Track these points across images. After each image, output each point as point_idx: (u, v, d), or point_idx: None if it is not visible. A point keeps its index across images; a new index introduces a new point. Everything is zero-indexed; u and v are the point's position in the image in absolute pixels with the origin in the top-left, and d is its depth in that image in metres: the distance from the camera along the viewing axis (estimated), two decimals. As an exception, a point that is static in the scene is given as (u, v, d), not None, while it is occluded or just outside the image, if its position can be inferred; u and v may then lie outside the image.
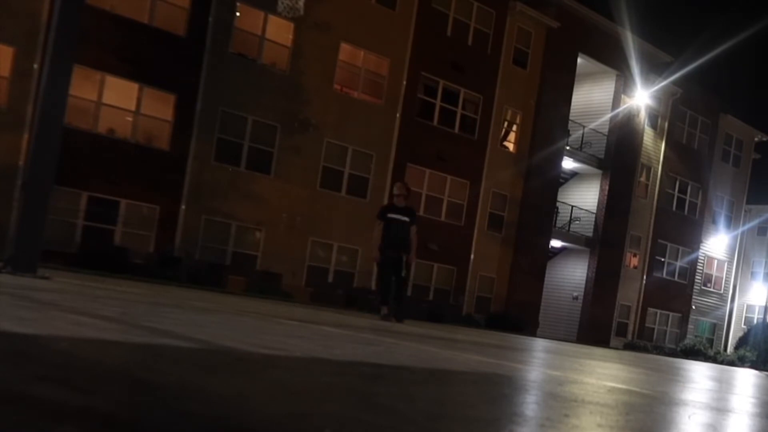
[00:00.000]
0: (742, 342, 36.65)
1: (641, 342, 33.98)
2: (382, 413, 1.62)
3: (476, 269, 28.47)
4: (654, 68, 33.72)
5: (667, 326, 37.34)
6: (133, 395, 1.44)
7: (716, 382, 6.78)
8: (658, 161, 35.80)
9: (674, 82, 33.88)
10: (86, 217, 20.02)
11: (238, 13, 22.44)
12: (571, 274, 33.56)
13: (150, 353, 2.22)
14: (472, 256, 28.31)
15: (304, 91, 23.56)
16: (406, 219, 10.99)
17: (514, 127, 29.66)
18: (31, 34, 18.63)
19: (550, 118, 30.26)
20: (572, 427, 1.85)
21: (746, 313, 43.82)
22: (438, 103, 27.11)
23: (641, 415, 2.41)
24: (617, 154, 33.50)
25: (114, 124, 20.71)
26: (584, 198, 33.84)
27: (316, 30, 23.31)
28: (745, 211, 41.75)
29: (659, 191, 35.93)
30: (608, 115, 33.38)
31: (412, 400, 1.94)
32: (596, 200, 33.69)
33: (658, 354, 26.75)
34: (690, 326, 38.24)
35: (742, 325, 42.48)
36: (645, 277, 35.71)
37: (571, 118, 31.73)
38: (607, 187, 33.42)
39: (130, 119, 20.92)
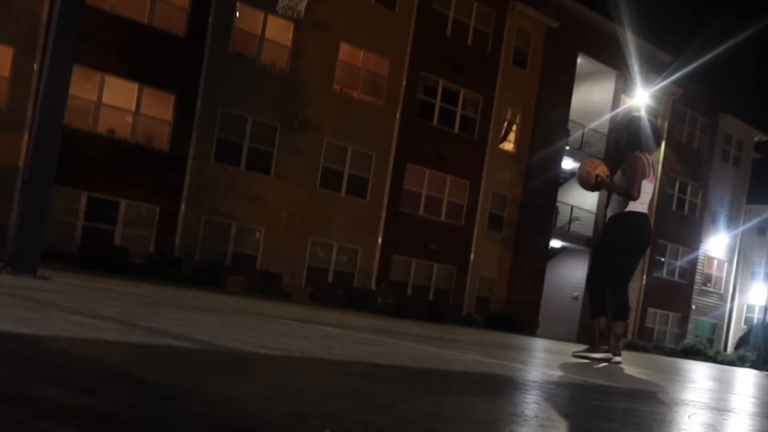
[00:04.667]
0: (742, 342, 36.65)
1: (641, 342, 33.97)
2: (382, 413, 1.62)
3: (476, 269, 28.47)
4: (654, 68, 33.72)
5: (667, 326, 37.34)
6: (133, 395, 1.44)
7: (716, 382, 6.78)
8: (658, 161, 35.79)
9: (674, 82, 33.87)
10: (86, 217, 20.03)
11: (238, 13, 22.44)
12: (571, 274, 33.54)
13: (150, 353, 2.22)
14: (472, 256, 28.31)
15: (304, 91, 23.56)
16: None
17: (514, 127, 29.67)
18: (31, 34, 18.63)
19: (549, 118, 30.26)
20: (572, 427, 1.85)
21: (746, 313, 43.82)
22: (438, 103, 27.11)
23: (641, 415, 2.41)
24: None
25: (114, 124, 20.72)
26: (584, 198, 33.81)
27: (316, 30, 23.31)
28: (745, 211, 41.75)
29: (659, 191, 35.91)
30: (608, 115, 33.37)
31: (412, 400, 1.93)
32: (596, 200, 33.68)
33: (658, 354, 26.75)
34: (690, 326, 38.24)
35: (742, 325, 42.48)
36: (645, 277, 35.70)
37: (571, 118, 31.73)
38: (607, 187, 33.36)
39: (129, 119, 20.92)
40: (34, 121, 7.34)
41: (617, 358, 6.22)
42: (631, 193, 6.05)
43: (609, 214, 6.36)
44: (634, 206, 6.11)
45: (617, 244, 6.22)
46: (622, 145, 6.42)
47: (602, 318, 6.28)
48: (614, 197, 6.27)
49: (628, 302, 6.42)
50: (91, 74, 19.35)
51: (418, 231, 26.45)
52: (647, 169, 6.12)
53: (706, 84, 37.69)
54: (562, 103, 30.95)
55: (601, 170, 6.28)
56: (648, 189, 6.13)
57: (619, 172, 6.32)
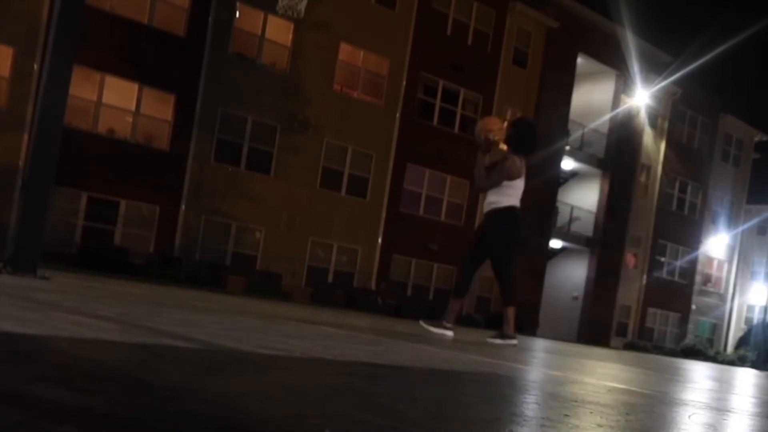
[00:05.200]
0: (742, 342, 36.67)
1: (641, 342, 33.97)
2: (382, 413, 1.62)
3: (476, 269, 28.44)
4: (654, 68, 33.73)
5: (667, 326, 37.34)
6: (133, 395, 1.44)
7: (716, 382, 6.78)
8: (658, 161, 35.80)
9: (674, 82, 33.89)
10: (86, 217, 20.03)
11: (238, 13, 22.45)
12: (571, 274, 33.55)
13: (150, 353, 2.22)
14: (472, 256, 28.28)
15: (304, 91, 23.57)
16: None
17: (514, 127, 29.66)
18: (31, 34, 18.64)
19: (550, 118, 30.26)
20: (572, 427, 1.85)
21: (746, 313, 43.84)
22: (438, 103, 27.12)
23: (641, 415, 2.41)
24: (617, 154, 33.50)
25: (114, 124, 20.72)
26: (584, 198, 33.84)
27: (316, 30, 23.32)
28: (745, 211, 41.77)
29: (659, 191, 35.93)
30: (608, 115, 33.38)
31: (412, 400, 1.93)
32: (596, 200, 33.68)
33: (658, 354, 26.74)
34: (690, 326, 38.25)
35: (742, 325, 42.49)
36: (645, 277, 35.70)
37: (571, 118, 31.73)
38: (607, 187, 33.42)
39: (130, 119, 20.93)
40: (34, 121, 7.34)
41: (513, 341, 6.65)
42: (497, 183, 6.51)
43: (487, 207, 6.77)
44: (510, 200, 6.55)
45: (494, 235, 6.68)
46: (510, 140, 6.72)
47: (460, 299, 6.77)
48: (490, 191, 6.68)
49: (513, 283, 6.99)
50: (91, 74, 19.35)
51: (418, 231, 26.45)
52: (521, 170, 6.53)
53: (706, 84, 37.68)
54: (562, 103, 30.96)
55: (498, 134, 6.61)
56: (520, 185, 6.56)
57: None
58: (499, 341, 6.57)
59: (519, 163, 6.51)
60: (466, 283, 6.87)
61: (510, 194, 6.53)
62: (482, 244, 6.77)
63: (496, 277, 6.96)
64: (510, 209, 6.55)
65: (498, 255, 6.74)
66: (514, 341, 6.65)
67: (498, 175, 6.50)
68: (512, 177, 6.46)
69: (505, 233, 6.67)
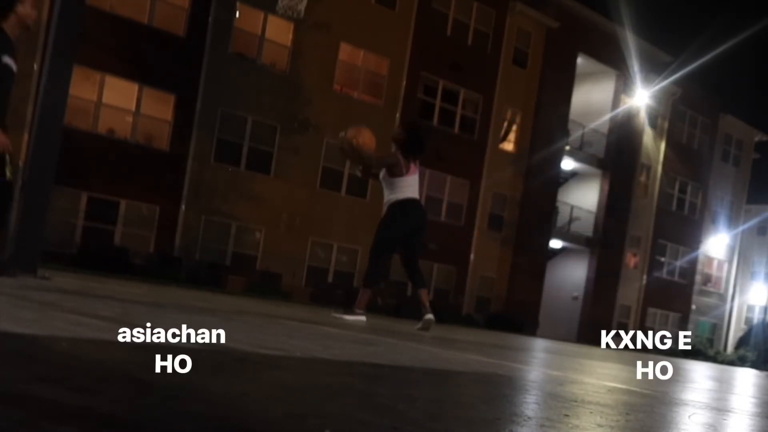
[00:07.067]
0: (742, 342, 36.68)
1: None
2: (382, 413, 1.62)
3: (476, 269, 28.47)
4: (654, 68, 33.73)
5: (667, 326, 37.35)
6: (134, 395, 1.44)
7: (716, 382, 6.78)
8: (658, 161, 35.80)
9: (674, 82, 33.89)
10: (86, 217, 20.03)
11: (238, 13, 22.46)
12: (571, 274, 33.55)
13: (150, 353, 2.22)
14: (472, 256, 28.31)
15: (304, 91, 23.57)
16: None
17: (514, 127, 29.68)
18: (31, 34, 18.62)
19: (549, 117, 30.27)
20: (572, 427, 1.84)
21: (746, 313, 43.84)
22: (438, 103, 27.12)
23: (641, 415, 2.41)
24: (617, 154, 33.50)
25: (114, 124, 20.72)
26: (584, 198, 33.84)
27: (315, 30, 23.32)
28: (745, 211, 41.77)
29: (659, 191, 35.93)
30: (608, 115, 33.39)
31: (412, 400, 1.93)
32: (596, 200, 33.69)
33: (658, 354, 26.74)
34: (690, 326, 38.25)
35: (742, 325, 42.50)
36: (645, 277, 35.70)
37: (571, 118, 31.74)
38: (607, 187, 33.43)
39: (129, 119, 20.94)
40: (34, 121, 7.34)
41: (362, 318, 6.97)
42: (377, 169, 7.16)
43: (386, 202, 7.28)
44: (405, 194, 7.12)
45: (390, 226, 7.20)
46: (399, 141, 7.24)
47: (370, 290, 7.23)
48: (385, 188, 7.25)
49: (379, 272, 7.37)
50: (91, 74, 19.35)
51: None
52: (405, 168, 7.11)
53: (706, 84, 37.70)
54: (562, 103, 30.96)
55: (363, 142, 7.02)
56: (411, 181, 7.16)
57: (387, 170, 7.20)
58: (348, 317, 6.92)
59: (403, 163, 7.10)
60: (377, 273, 7.36)
61: (404, 190, 7.15)
62: (377, 235, 7.32)
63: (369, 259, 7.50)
64: (404, 202, 7.14)
65: (376, 242, 7.22)
66: (363, 318, 7.00)
67: (377, 164, 7.16)
68: (395, 174, 7.05)
69: (392, 224, 7.17)
